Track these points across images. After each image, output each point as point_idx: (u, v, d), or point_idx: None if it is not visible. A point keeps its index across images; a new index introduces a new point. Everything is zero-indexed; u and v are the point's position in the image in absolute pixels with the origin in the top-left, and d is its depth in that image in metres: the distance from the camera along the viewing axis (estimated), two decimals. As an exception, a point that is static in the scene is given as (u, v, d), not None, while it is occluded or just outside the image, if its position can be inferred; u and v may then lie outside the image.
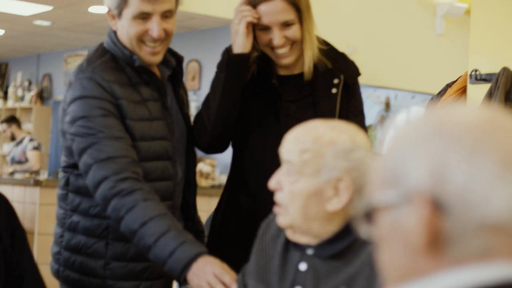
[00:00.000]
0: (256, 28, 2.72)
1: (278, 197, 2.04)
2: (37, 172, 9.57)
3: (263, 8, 2.67)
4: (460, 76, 4.35)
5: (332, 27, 8.28)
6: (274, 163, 2.19)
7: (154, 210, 2.43)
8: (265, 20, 2.68)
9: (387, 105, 8.79)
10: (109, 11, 2.65)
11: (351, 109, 2.82)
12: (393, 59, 8.47)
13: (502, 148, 1.01)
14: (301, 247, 2.07)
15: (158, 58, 2.67)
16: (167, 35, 2.64)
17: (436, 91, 4.44)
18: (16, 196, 7.21)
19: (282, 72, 2.82)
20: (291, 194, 2.01)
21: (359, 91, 2.89)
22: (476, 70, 4.09)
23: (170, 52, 2.82)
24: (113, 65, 2.65)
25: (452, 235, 1.02)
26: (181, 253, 2.35)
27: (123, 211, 2.43)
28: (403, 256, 1.07)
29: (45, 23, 9.89)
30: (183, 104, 2.83)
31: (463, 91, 4.25)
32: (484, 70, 4.06)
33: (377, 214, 1.10)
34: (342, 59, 2.87)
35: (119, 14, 2.62)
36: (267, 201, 2.30)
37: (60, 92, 12.54)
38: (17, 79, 13.13)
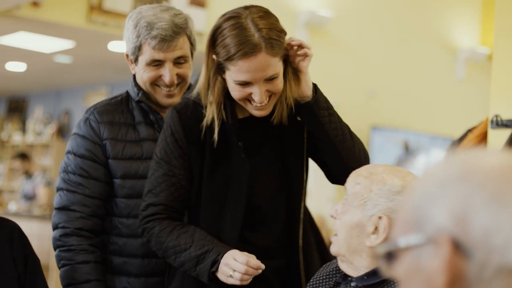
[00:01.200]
0: (232, 82, 2.41)
1: (334, 225, 2.22)
2: (44, 207, 9.63)
3: (244, 64, 2.34)
4: (482, 122, 4.31)
5: (352, 70, 8.29)
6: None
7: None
8: (247, 77, 2.37)
9: (406, 148, 8.75)
10: (127, 56, 2.82)
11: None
12: (413, 102, 8.47)
13: None
14: (347, 281, 2.22)
15: (175, 100, 2.78)
16: (182, 79, 2.77)
17: (456, 135, 4.42)
18: (33, 230, 7.22)
19: (241, 115, 2.59)
20: (340, 223, 2.18)
21: None
22: (497, 116, 4.05)
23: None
24: (119, 106, 2.86)
25: (472, 278, 1.02)
26: None
27: (60, 264, 2.77)
28: None
29: (66, 59, 9.96)
30: None
31: (484, 136, 4.21)
32: (505, 115, 4.02)
33: (399, 254, 1.10)
34: None
35: (135, 59, 2.79)
36: None
37: (79, 129, 12.59)
38: (36, 114, 13.21)
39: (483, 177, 1.04)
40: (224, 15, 2.39)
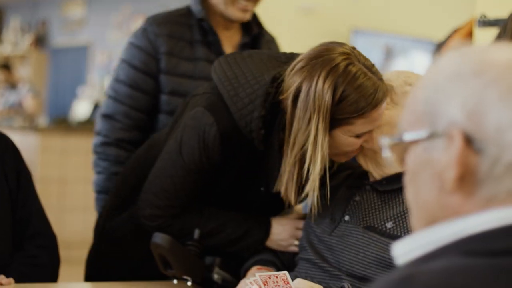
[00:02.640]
0: (350, 135, 2.21)
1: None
2: (31, 117, 9.55)
3: (374, 114, 2.18)
4: (468, 21, 4.30)
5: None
6: None
7: None
8: (373, 126, 2.21)
9: (388, 52, 8.72)
10: None
11: None
12: (395, 3, 8.40)
13: None
14: (360, 185, 2.27)
15: (247, 16, 2.83)
16: None
17: (439, 37, 4.40)
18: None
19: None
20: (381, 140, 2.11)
21: None
22: (483, 15, 4.03)
23: (254, 21, 2.93)
24: (181, 19, 2.84)
25: (483, 174, 1.03)
26: None
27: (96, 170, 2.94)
28: (433, 193, 1.07)
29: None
30: None
31: (470, 36, 4.20)
32: (492, 15, 4.00)
33: (408, 147, 1.10)
34: None
35: None
36: None
37: (58, 39, 12.45)
38: (12, 24, 13.02)
39: (497, 71, 1.04)
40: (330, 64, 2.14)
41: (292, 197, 2.24)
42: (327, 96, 2.11)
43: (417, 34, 8.54)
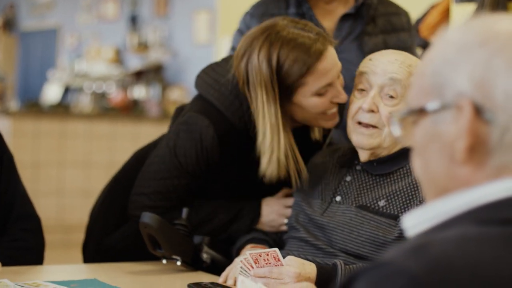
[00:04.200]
0: (312, 96, 2.26)
1: (370, 119, 2.16)
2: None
3: (322, 64, 2.23)
4: (444, -2, 4.30)
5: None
6: None
7: None
8: (328, 78, 2.25)
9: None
10: None
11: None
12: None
13: None
14: (350, 164, 2.25)
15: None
16: None
17: (415, 14, 4.39)
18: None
19: None
20: (389, 116, 2.11)
21: None
22: (460, -9, 4.03)
23: None
24: None
25: (494, 143, 1.03)
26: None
27: None
28: (443, 164, 1.08)
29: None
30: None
31: (447, 11, 4.20)
32: (469, -10, 4.01)
33: (417, 120, 1.10)
34: None
35: None
36: None
37: (26, 22, 12.33)
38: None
39: (502, 41, 1.04)
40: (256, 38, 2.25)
41: (274, 176, 2.27)
42: (264, 68, 2.19)
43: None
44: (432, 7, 4.37)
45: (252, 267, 2.02)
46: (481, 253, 0.96)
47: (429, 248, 0.96)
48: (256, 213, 2.43)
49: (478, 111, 1.03)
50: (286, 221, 2.39)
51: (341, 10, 2.72)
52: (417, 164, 1.13)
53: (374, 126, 2.17)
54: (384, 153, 2.20)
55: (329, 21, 2.73)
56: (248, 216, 2.43)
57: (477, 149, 1.04)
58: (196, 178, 2.40)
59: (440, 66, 1.08)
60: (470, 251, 0.96)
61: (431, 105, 1.08)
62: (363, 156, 2.22)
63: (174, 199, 2.41)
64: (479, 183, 1.04)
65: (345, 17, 2.69)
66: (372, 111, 2.16)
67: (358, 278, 0.98)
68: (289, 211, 2.39)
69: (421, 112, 1.09)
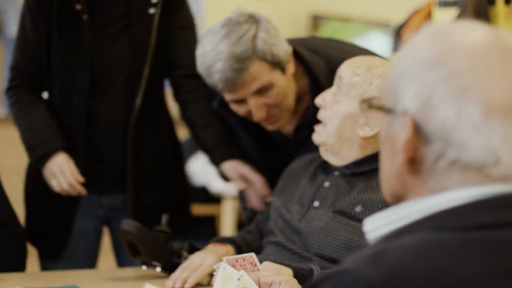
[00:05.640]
0: None
1: (321, 114, 2.25)
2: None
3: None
4: (427, 3, 4.32)
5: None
6: (82, 101, 2.64)
7: None
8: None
9: (348, 37, 8.75)
10: None
11: (175, 26, 2.77)
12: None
13: (488, 93, 1.02)
14: (329, 171, 2.28)
15: (280, 124, 2.58)
16: (275, 107, 2.51)
17: (395, 20, 4.42)
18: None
19: None
20: (332, 113, 2.21)
21: (185, 7, 2.81)
22: (443, -4, 4.06)
23: None
24: None
25: (428, 165, 1.06)
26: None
27: None
28: (393, 168, 1.11)
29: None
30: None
31: (430, 16, 4.23)
32: (451, -5, 4.03)
33: (379, 114, 1.13)
34: None
35: None
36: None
37: (13, 29, 12.31)
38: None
39: (457, 66, 1.04)
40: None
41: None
42: None
43: (377, 17, 8.58)
44: (415, 12, 4.40)
45: None
46: (438, 259, 0.97)
47: (387, 256, 0.98)
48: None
49: (418, 131, 1.06)
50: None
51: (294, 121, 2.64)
52: (381, 161, 1.17)
53: (322, 122, 2.25)
54: (352, 158, 2.21)
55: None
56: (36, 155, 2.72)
57: (414, 165, 1.07)
58: (25, 31, 2.73)
59: (399, 74, 1.09)
60: (427, 258, 0.97)
61: (388, 107, 1.10)
62: (323, 155, 2.27)
63: (15, 58, 2.78)
64: (423, 195, 1.07)
65: (299, 127, 2.62)
66: (321, 106, 2.26)
67: (319, 285, 1.00)
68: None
69: (381, 109, 1.12)
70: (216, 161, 2.74)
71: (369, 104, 1.14)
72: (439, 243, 0.99)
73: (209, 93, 2.68)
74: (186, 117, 2.82)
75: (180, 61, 2.78)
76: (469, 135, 1.02)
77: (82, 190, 2.65)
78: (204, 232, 5.01)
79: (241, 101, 2.46)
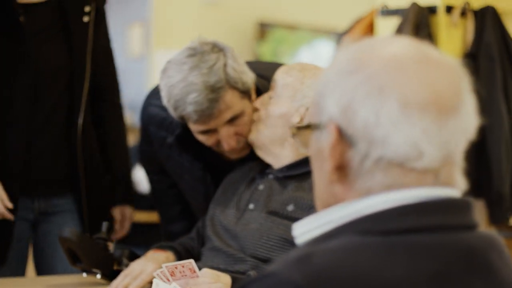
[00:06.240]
0: None
1: (255, 115, 2.32)
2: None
3: None
4: (369, 12, 4.38)
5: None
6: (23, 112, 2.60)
7: None
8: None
9: (293, 44, 8.80)
10: None
11: (102, 33, 2.85)
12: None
13: (403, 91, 1.06)
14: (264, 175, 2.33)
15: (244, 153, 2.48)
16: (242, 134, 2.43)
17: (340, 28, 4.47)
18: None
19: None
20: (265, 113, 2.28)
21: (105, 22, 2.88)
22: (384, 5, 4.12)
23: None
24: None
25: (355, 167, 1.09)
26: None
27: None
28: (323, 181, 1.13)
29: None
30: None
31: (372, 27, 4.28)
32: (392, 4, 4.09)
33: (309, 132, 1.16)
34: None
35: None
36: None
37: None
38: None
39: (372, 70, 1.08)
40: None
41: None
42: None
43: (323, 25, 8.64)
44: (358, 21, 4.45)
45: (169, 280, 2.05)
46: (363, 262, 1.00)
47: (312, 259, 1.00)
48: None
49: (342, 135, 1.08)
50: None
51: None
52: (313, 174, 1.19)
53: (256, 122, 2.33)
54: (284, 158, 2.27)
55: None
56: None
57: (344, 171, 1.10)
58: None
59: (322, 88, 1.13)
60: (352, 260, 1.00)
61: (315, 123, 1.13)
62: (257, 154, 2.33)
63: None
64: (351, 199, 1.09)
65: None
66: (257, 108, 2.33)
67: (246, 287, 1.02)
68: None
69: (309, 127, 1.15)
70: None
71: (298, 127, 1.18)
72: (363, 246, 1.02)
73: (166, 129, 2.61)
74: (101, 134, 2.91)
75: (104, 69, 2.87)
76: (390, 130, 1.05)
77: (10, 217, 2.58)
78: (149, 239, 5.00)
79: (210, 131, 2.37)
